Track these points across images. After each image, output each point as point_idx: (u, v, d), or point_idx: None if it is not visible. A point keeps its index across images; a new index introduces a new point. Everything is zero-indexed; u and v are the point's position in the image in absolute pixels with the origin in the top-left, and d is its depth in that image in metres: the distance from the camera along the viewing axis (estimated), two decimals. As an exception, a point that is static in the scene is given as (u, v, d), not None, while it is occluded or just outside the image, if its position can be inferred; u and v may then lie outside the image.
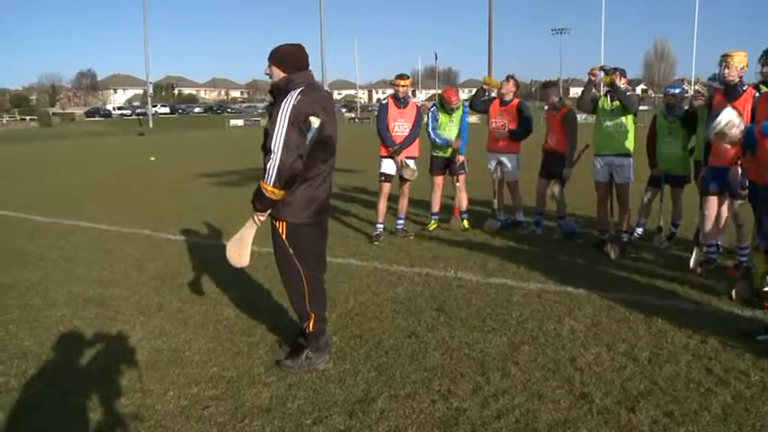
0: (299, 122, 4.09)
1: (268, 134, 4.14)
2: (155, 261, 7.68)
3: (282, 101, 4.14)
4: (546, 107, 8.86)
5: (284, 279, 4.56)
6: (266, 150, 4.13)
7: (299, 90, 4.16)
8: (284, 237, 4.39)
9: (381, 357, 4.67)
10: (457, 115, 8.80)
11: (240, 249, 4.49)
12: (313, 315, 4.49)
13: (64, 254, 8.20)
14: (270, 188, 4.12)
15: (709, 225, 6.61)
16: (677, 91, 7.73)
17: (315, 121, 4.14)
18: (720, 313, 5.43)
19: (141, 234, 9.40)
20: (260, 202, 4.22)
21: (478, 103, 9.14)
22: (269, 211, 4.31)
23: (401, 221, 8.81)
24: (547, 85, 8.91)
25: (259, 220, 4.36)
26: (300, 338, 4.64)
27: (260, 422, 3.81)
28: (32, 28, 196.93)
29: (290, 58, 4.32)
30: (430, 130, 8.82)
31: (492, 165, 9.13)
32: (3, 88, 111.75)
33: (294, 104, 4.10)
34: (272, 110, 4.21)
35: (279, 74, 4.29)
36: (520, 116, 8.76)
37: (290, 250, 4.41)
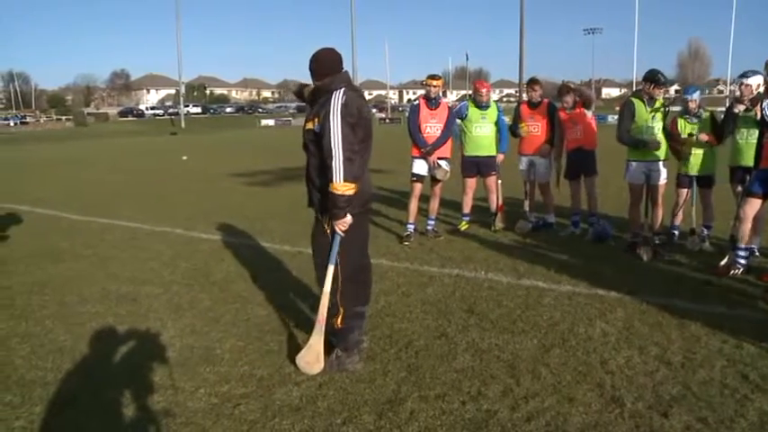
0: (349, 118, 4.24)
1: (318, 135, 4.28)
2: (186, 260, 7.76)
3: (329, 101, 4.28)
4: (561, 106, 8.75)
5: (333, 281, 4.53)
6: (324, 150, 4.24)
7: (342, 89, 4.31)
8: (328, 230, 4.44)
9: (411, 358, 4.66)
10: (491, 115, 8.74)
11: (309, 357, 4.49)
12: (342, 310, 4.50)
13: (98, 252, 8.33)
14: (342, 185, 4.23)
15: (745, 227, 6.50)
16: (695, 96, 7.55)
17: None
18: (756, 318, 5.33)
19: (173, 233, 9.51)
20: (338, 206, 4.28)
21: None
22: (348, 217, 4.34)
23: (432, 222, 8.79)
24: (563, 92, 8.76)
25: (341, 228, 4.37)
26: (332, 337, 4.64)
27: (290, 421, 3.82)
28: (68, 29, 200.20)
29: (318, 65, 4.45)
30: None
31: (524, 166, 9.08)
32: (40, 89, 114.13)
33: (343, 102, 4.25)
34: (314, 111, 4.37)
35: (316, 78, 4.45)
36: (551, 118, 8.71)
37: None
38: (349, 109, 4.25)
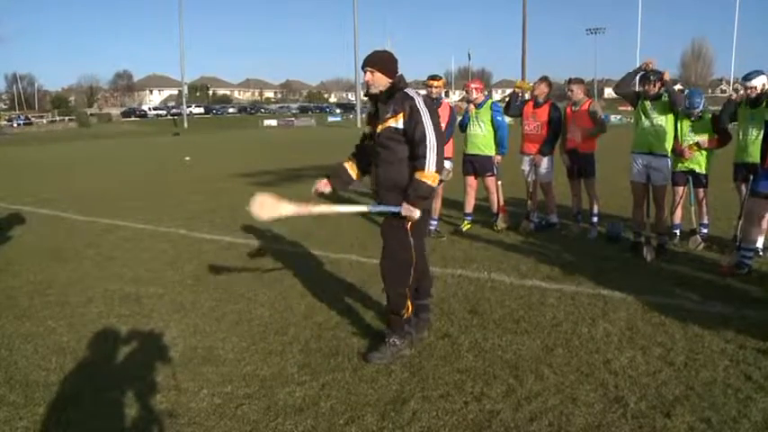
0: (432, 114, 4.46)
1: (402, 131, 4.42)
2: (189, 260, 7.77)
3: (410, 98, 4.44)
4: (567, 103, 8.77)
5: (394, 272, 4.61)
6: (415, 142, 4.39)
7: (413, 91, 4.51)
8: (408, 227, 4.53)
9: (414, 358, 4.66)
10: (485, 115, 8.73)
11: (268, 207, 4.75)
12: (411, 305, 4.67)
13: (101, 252, 8.34)
14: (432, 175, 4.39)
15: (751, 227, 6.49)
16: (701, 108, 7.54)
17: None
18: (760, 318, 5.31)
19: (176, 233, 9.51)
20: (423, 194, 4.43)
21: (513, 108, 9.02)
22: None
23: (434, 222, 8.78)
24: (573, 81, 8.78)
25: (414, 216, 4.46)
26: (388, 328, 4.72)
27: (293, 421, 3.83)
28: (71, 30, 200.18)
29: (392, 64, 4.59)
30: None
31: (525, 166, 9.06)
32: (44, 90, 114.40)
33: (424, 101, 4.49)
34: (391, 109, 4.44)
35: (383, 78, 4.51)
36: (550, 120, 8.69)
37: (412, 241, 4.55)
38: (430, 107, 4.47)
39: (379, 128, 4.51)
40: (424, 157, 4.36)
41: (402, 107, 4.42)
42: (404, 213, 4.43)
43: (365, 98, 4.78)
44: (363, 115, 4.94)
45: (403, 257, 4.58)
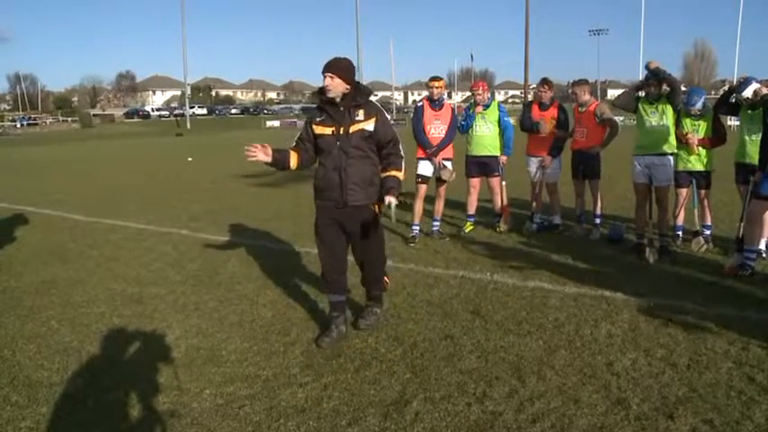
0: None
1: (374, 133, 4.89)
2: (192, 260, 7.77)
3: (373, 103, 4.98)
4: (574, 105, 8.76)
5: (381, 254, 5.30)
6: (387, 145, 4.97)
7: (372, 98, 5.00)
8: (379, 216, 5.11)
9: (416, 359, 4.66)
10: (490, 114, 8.74)
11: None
12: (387, 278, 5.51)
13: (103, 252, 8.35)
14: (403, 174, 5.05)
15: (754, 229, 6.47)
16: (699, 106, 7.50)
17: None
18: (763, 320, 5.30)
19: (179, 234, 9.52)
20: (398, 186, 4.95)
21: (525, 124, 9.03)
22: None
23: (437, 223, 8.79)
24: (576, 84, 8.75)
25: (394, 197, 4.88)
26: (370, 301, 5.45)
27: (295, 422, 3.83)
28: (74, 31, 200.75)
29: (351, 72, 4.91)
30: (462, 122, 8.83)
31: (532, 168, 9.04)
32: (47, 90, 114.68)
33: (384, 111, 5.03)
34: (366, 112, 4.88)
35: (341, 85, 4.80)
36: (558, 120, 8.68)
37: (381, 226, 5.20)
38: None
39: (352, 129, 4.83)
40: (401, 158, 5.03)
41: (374, 112, 4.91)
42: (388, 201, 4.81)
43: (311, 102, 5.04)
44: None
45: (382, 243, 5.25)
